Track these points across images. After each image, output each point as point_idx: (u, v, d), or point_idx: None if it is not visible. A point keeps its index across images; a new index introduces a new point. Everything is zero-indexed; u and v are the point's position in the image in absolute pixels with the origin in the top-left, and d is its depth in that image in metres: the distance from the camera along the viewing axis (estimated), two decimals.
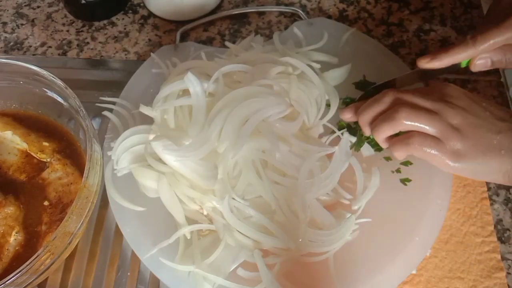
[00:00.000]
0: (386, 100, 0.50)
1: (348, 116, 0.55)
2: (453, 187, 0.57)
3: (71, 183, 0.56)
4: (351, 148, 0.56)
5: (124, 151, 0.57)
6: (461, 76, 0.67)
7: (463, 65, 0.52)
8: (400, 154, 0.49)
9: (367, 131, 0.52)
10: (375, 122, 0.50)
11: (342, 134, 0.58)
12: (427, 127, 0.47)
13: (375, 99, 0.52)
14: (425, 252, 0.53)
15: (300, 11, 0.72)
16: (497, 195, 0.58)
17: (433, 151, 0.47)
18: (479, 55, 0.50)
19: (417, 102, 0.49)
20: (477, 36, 0.49)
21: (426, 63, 0.52)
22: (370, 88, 0.59)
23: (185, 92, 0.56)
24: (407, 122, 0.48)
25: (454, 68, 0.52)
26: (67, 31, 0.75)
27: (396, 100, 0.50)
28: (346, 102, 0.60)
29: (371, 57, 0.66)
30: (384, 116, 0.49)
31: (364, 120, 0.52)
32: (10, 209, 0.54)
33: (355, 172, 0.56)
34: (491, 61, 0.51)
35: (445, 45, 0.70)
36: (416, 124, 0.48)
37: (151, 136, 0.55)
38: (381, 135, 0.50)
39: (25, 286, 0.48)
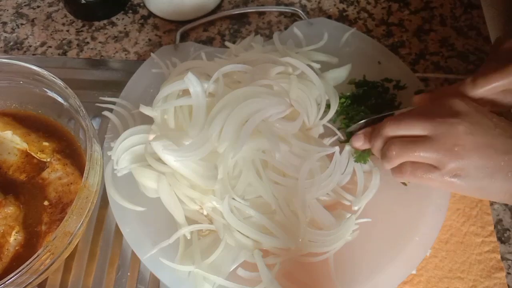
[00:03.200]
0: (383, 133, 0.49)
1: (358, 145, 0.55)
2: None
3: (71, 183, 0.56)
4: (353, 156, 0.57)
5: (124, 151, 0.57)
6: (461, 76, 0.67)
7: None
8: (399, 180, 0.50)
9: None
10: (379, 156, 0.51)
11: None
12: (418, 159, 0.47)
13: (377, 132, 0.50)
14: (425, 252, 0.53)
15: (300, 11, 0.72)
16: None
17: (427, 177, 0.46)
18: (478, 97, 0.49)
19: (412, 131, 0.47)
20: (478, 79, 0.48)
21: (423, 102, 0.52)
22: (372, 117, 0.57)
23: (185, 92, 0.56)
24: (399, 159, 0.48)
25: None
26: (67, 31, 0.75)
27: (392, 130, 0.49)
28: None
29: (371, 57, 0.66)
30: (381, 154, 0.50)
31: (374, 150, 0.52)
32: (10, 209, 0.54)
33: (355, 172, 0.56)
34: (490, 104, 0.50)
35: (444, 44, 0.70)
36: (408, 158, 0.47)
37: (151, 136, 0.55)
38: (386, 168, 0.50)
39: (25, 286, 0.48)
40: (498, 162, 0.44)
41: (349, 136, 0.57)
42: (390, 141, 0.48)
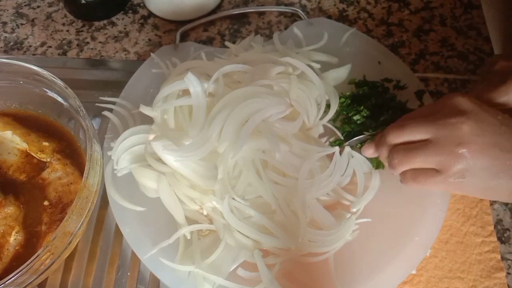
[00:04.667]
0: (387, 141, 0.49)
1: (368, 154, 0.54)
2: None
3: (71, 183, 0.56)
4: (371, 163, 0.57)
5: (124, 151, 0.57)
6: (460, 76, 0.67)
7: None
8: (408, 186, 0.50)
9: None
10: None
11: (343, 135, 0.59)
12: (421, 165, 0.46)
13: (382, 140, 0.50)
14: (425, 252, 0.53)
15: (300, 11, 0.72)
16: None
17: (430, 182, 0.46)
18: None
19: (415, 136, 0.46)
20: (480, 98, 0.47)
21: None
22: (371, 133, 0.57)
23: (185, 92, 0.56)
24: (403, 166, 0.47)
25: None
26: (67, 31, 0.75)
27: (396, 137, 0.48)
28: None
29: (371, 57, 0.66)
30: (387, 162, 0.50)
31: (382, 159, 0.52)
32: (10, 209, 0.54)
33: (355, 173, 0.56)
34: None
35: (444, 44, 0.70)
36: (411, 165, 0.47)
37: (151, 136, 0.55)
38: (394, 174, 0.50)
39: (25, 286, 0.48)
40: (504, 161, 0.43)
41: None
42: (394, 149, 0.48)
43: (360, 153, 0.56)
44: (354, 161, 0.56)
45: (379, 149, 0.51)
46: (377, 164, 0.57)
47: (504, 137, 0.43)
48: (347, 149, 0.56)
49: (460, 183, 0.45)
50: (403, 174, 0.49)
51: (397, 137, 0.48)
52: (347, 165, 0.56)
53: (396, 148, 0.48)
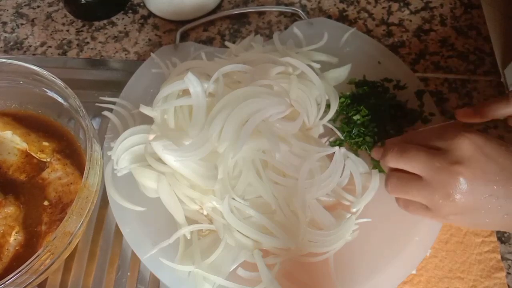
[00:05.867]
0: (385, 161, 0.49)
1: (377, 156, 0.54)
2: None
3: (71, 183, 0.56)
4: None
5: (124, 151, 0.57)
6: (460, 76, 0.67)
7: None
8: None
9: None
10: None
11: (343, 135, 0.58)
12: (412, 199, 0.47)
13: (382, 157, 0.50)
14: (425, 252, 0.53)
15: (300, 11, 0.72)
16: None
17: (420, 214, 0.48)
18: None
19: (410, 169, 0.46)
20: None
21: (466, 117, 0.51)
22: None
23: (185, 92, 0.56)
24: (395, 195, 0.49)
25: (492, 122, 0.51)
26: (67, 31, 0.75)
27: (392, 162, 0.48)
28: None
29: (371, 57, 0.66)
30: (384, 183, 0.50)
31: (383, 168, 0.53)
32: (10, 209, 0.54)
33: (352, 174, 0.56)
34: None
35: (444, 44, 0.70)
36: (402, 196, 0.49)
37: (151, 136, 0.55)
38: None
39: (25, 286, 0.48)
40: (496, 206, 0.44)
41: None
42: (389, 173, 0.49)
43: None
44: (349, 162, 0.56)
45: (382, 160, 0.51)
46: (376, 166, 0.57)
47: (500, 185, 0.43)
48: (342, 149, 0.56)
49: (448, 219, 0.46)
50: (397, 198, 0.51)
51: (394, 162, 0.48)
52: (344, 166, 0.56)
53: (392, 174, 0.49)
